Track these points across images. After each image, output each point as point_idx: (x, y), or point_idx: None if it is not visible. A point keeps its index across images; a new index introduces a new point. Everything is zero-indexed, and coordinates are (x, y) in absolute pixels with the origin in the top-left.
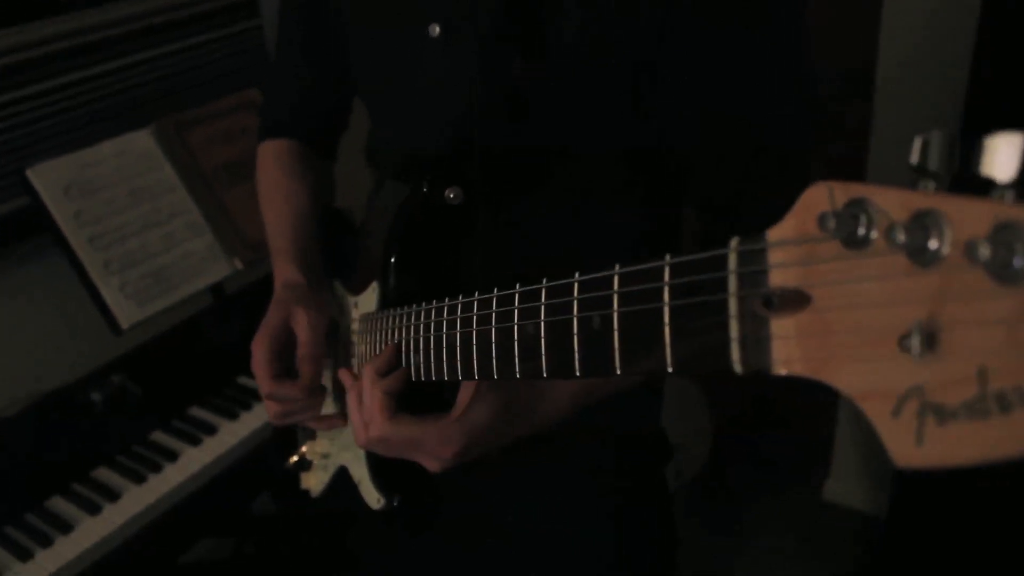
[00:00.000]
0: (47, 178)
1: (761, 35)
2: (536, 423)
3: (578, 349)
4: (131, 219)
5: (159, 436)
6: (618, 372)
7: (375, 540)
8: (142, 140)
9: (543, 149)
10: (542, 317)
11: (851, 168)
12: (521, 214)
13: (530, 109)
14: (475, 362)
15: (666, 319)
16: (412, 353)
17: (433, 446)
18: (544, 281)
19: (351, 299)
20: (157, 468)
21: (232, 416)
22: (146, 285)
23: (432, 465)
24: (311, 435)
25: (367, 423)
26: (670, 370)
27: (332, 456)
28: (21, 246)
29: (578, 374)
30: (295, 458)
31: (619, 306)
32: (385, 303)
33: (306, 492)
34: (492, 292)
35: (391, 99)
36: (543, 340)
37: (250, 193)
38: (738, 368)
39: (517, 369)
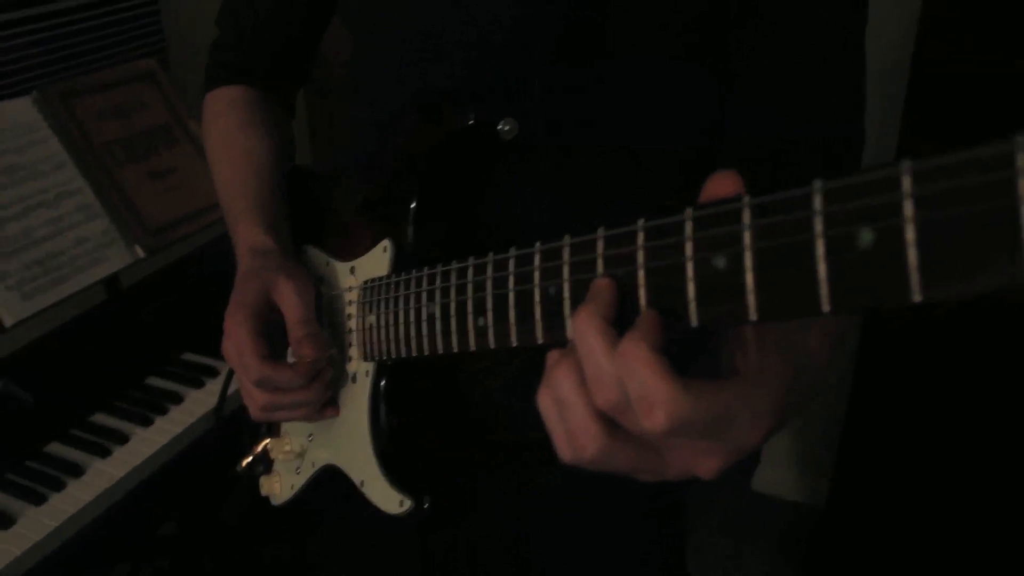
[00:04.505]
0: None
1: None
2: (808, 386)
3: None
4: (10, 199)
5: (57, 448)
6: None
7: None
8: (21, 109)
9: (601, 95)
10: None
11: None
12: (573, 157)
13: (600, 44)
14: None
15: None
16: (476, 317)
17: (745, 423)
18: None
19: (340, 265)
20: (58, 486)
21: (145, 423)
22: (32, 275)
23: (722, 460)
24: (272, 432)
25: (641, 403)
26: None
27: (310, 454)
28: None
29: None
30: (249, 459)
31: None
32: (400, 264)
33: (265, 500)
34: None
35: (410, 25)
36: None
37: (150, 173)
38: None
39: (693, 315)
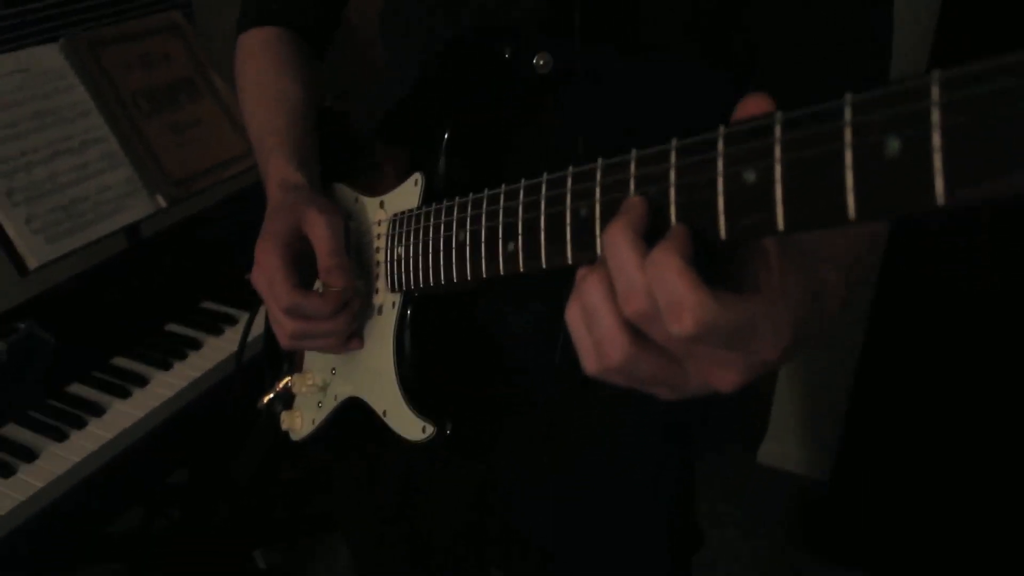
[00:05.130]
0: None
1: None
2: (822, 315)
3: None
4: (37, 144)
5: (79, 389)
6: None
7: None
8: (49, 56)
9: (638, 26)
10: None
11: None
12: (609, 90)
13: None
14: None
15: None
16: (505, 242)
17: (767, 336)
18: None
19: (369, 200)
20: (80, 424)
21: (165, 366)
22: (56, 220)
23: (741, 374)
24: (295, 368)
25: (670, 308)
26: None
27: (332, 388)
28: None
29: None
30: (271, 395)
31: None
32: (430, 197)
33: (285, 434)
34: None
35: None
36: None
37: (173, 125)
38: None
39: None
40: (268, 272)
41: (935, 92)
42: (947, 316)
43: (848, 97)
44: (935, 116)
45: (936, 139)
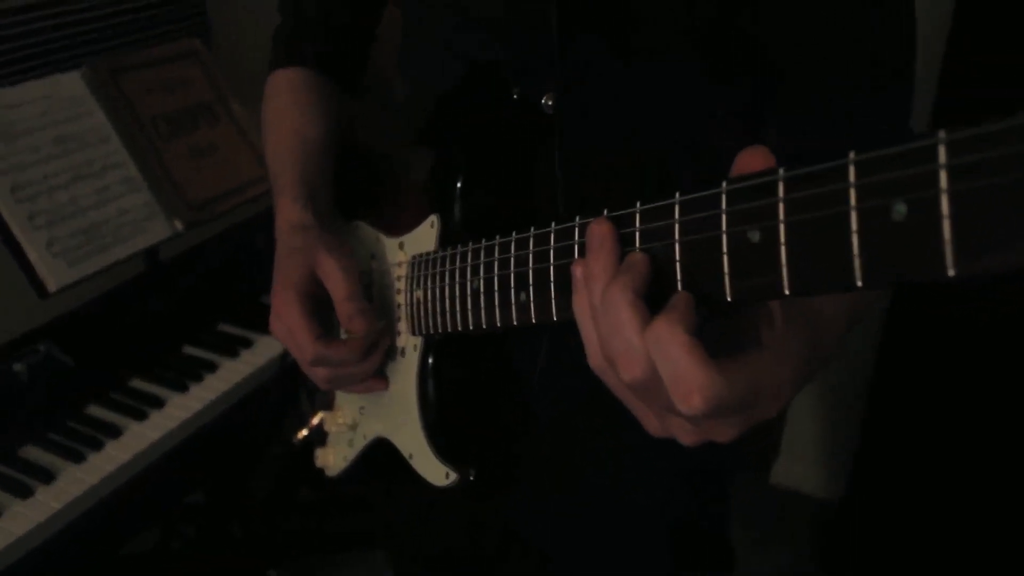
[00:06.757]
0: None
1: None
2: (821, 358)
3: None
4: (59, 169)
5: (97, 410)
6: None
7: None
8: (71, 83)
9: (635, 60)
10: (779, 218)
11: None
12: (608, 129)
13: (626, 17)
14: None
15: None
16: (518, 291)
17: (768, 398)
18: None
19: (390, 240)
20: (97, 445)
21: (181, 388)
22: (77, 243)
23: (741, 429)
24: (325, 403)
25: (677, 386)
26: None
27: (362, 427)
28: None
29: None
30: (304, 432)
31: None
32: (447, 239)
33: (317, 472)
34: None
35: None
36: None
37: (191, 149)
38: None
39: (729, 288)
40: (289, 324)
41: (942, 154)
42: (962, 334)
43: (851, 156)
44: (943, 180)
45: (945, 205)
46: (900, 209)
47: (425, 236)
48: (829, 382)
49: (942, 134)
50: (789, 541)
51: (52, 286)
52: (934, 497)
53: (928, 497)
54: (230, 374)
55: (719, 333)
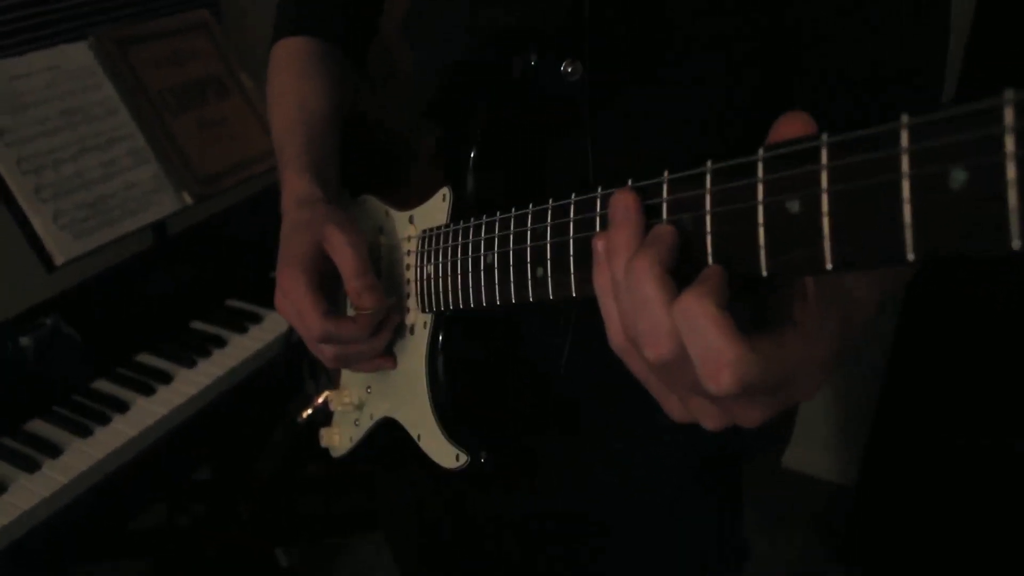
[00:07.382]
0: None
1: None
2: (852, 340)
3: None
4: (66, 141)
5: (104, 385)
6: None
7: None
8: (79, 54)
9: (662, 32)
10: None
11: None
12: (633, 101)
13: None
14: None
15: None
16: (534, 266)
17: (803, 379)
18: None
19: (399, 214)
20: (104, 420)
21: (189, 363)
22: (83, 216)
23: (769, 413)
24: (329, 382)
25: (706, 363)
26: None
27: (368, 406)
28: None
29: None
30: (309, 411)
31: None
32: (459, 213)
33: (325, 451)
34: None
35: None
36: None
37: (200, 122)
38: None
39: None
40: (295, 300)
41: (1008, 115)
42: (976, 320)
43: (904, 119)
44: (1009, 144)
45: (1011, 172)
46: (959, 176)
47: (436, 209)
48: (843, 365)
49: (1009, 94)
50: (800, 525)
51: (59, 259)
52: (947, 482)
53: (941, 482)
54: (238, 350)
55: (750, 313)
